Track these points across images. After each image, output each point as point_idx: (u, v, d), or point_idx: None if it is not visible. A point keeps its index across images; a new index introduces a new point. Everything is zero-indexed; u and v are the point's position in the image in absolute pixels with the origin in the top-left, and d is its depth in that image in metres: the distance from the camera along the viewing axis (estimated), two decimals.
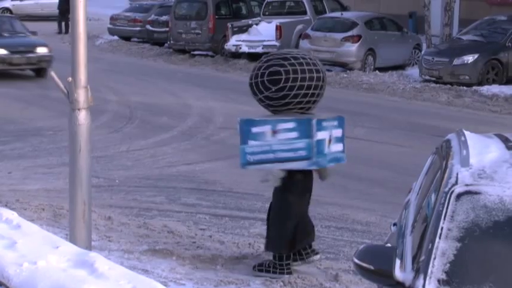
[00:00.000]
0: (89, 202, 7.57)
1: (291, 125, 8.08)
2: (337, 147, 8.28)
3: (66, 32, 35.88)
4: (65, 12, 35.92)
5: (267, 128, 8.07)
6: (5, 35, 24.17)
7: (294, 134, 8.06)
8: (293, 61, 8.19)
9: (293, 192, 8.34)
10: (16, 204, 10.45)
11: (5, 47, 23.07)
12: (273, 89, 8.12)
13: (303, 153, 8.05)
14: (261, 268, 8.34)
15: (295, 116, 8.21)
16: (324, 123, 8.13)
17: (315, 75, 8.20)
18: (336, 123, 8.28)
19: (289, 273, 8.31)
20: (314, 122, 8.04)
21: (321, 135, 8.07)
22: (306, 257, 8.57)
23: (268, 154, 8.09)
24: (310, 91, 8.18)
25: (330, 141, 8.16)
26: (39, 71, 23.47)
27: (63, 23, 37.36)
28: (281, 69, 8.12)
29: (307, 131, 8.03)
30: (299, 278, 8.31)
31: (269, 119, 8.18)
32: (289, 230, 8.32)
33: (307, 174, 8.39)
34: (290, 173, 8.22)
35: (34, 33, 25.88)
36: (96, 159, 12.60)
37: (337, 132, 8.26)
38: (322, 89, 8.33)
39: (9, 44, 23.32)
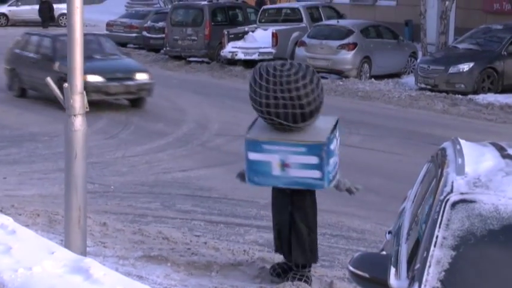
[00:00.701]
0: (84, 208, 7.57)
1: (337, 132, 8.27)
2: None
3: None
4: (47, 20, 35.60)
5: (335, 141, 8.15)
6: (97, 57, 20.06)
7: (339, 138, 8.32)
8: (316, 79, 7.94)
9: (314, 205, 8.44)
10: (11, 210, 10.44)
11: (99, 73, 19.07)
12: (316, 116, 8.02)
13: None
14: (305, 280, 8.37)
15: (333, 119, 8.35)
16: None
17: (322, 86, 8.13)
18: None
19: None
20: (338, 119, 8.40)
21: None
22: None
23: (336, 166, 8.20)
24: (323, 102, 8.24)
25: None
26: (137, 101, 20.14)
27: None
28: (315, 95, 7.85)
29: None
30: (293, 285, 8.31)
31: (334, 131, 8.11)
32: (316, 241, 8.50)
33: None
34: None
35: (128, 54, 22.96)
36: (91, 165, 12.60)
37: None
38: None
39: (104, 70, 19.43)
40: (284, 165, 7.96)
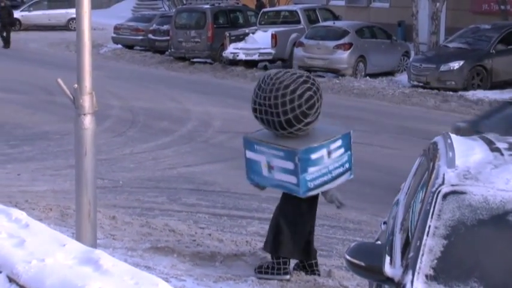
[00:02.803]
0: (94, 202, 7.56)
1: (339, 142, 8.07)
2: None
3: (6, 45, 34.79)
4: (6, 25, 35.04)
5: (324, 152, 7.92)
6: None
7: (342, 150, 8.08)
8: (311, 79, 7.95)
9: (306, 202, 8.26)
10: (25, 205, 10.44)
11: None
12: (312, 113, 7.83)
13: (347, 165, 8.17)
14: (261, 270, 8.30)
15: (339, 132, 8.18)
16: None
17: (319, 87, 8.08)
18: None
19: (286, 273, 8.26)
20: (351, 133, 8.22)
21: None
22: (309, 267, 8.46)
23: (327, 175, 7.99)
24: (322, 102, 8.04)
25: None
26: None
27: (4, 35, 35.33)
28: (311, 92, 7.79)
29: (348, 144, 8.14)
30: (294, 273, 8.32)
31: (324, 142, 7.93)
32: (290, 237, 8.24)
33: None
34: None
35: None
36: (100, 162, 12.58)
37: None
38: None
39: None
40: (270, 167, 7.96)
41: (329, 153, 7.95)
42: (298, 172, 7.74)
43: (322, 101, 7.98)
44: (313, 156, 7.82)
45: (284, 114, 7.68)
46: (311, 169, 7.80)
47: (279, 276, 8.20)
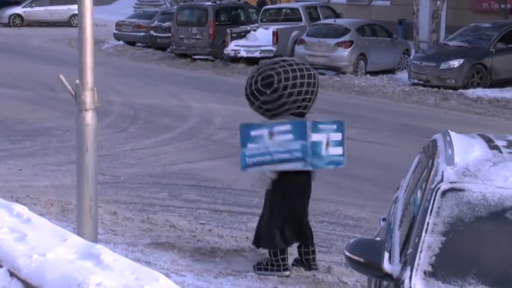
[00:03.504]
0: (95, 198, 7.57)
1: (286, 127, 8.06)
2: (336, 150, 8.12)
3: None
4: None
5: (264, 131, 8.03)
6: None
7: (290, 136, 8.02)
8: (282, 63, 8.27)
9: (284, 192, 8.26)
10: (26, 200, 10.45)
11: None
12: (268, 92, 8.08)
13: (298, 154, 8.02)
14: (260, 267, 8.32)
15: (291, 119, 8.20)
16: (321, 126, 8.05)
17: (305, 73, 8.19)
18: (334, 127, 8.13)
19: (286, 269, 8.28)
20: (309, 124, 8.02)
21: (316, 137, 8.01)
22: (306, 262, 8.48)
23: (266, 156, 8.03)
24: (303, 88, 8.11)
25: (327, 144, 8.09)
26: None
27: None
28: (272, 72, 8.13)
29: (302, 133, 7.99)
30: (293, 269, 8.33)
31: (266, 122, 8.17)
32: (278, 227, 8.26)
33: (302, 176, 8.33)
34: (284, 174, 8.18)
35: None
36: (102, 158, 12.60)
37: (336, 136, 8.10)
38: (316, 88, 8.26)
39: None
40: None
41: (271, 134, 8.04)
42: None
43: (295, 90, 8.09)
44: (253, 133, 8.05)
45: (245, 90, 8.32)
46: (250, 145, 8.04)
47: (278, 272, 8.21)
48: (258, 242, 8.43)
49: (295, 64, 8.28)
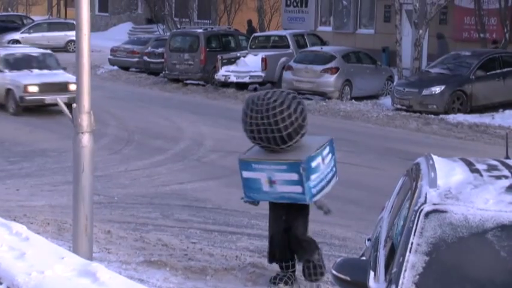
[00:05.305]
0: (91, 217, 7.58)
1: (328, 149, 8.39)
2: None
3: None
4: None
5: (319, 159, 8.20)
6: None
7: (330, 156, 8.42)
8: (298, 96, 8.35)
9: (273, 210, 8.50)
10: (24, 219, 10.43)
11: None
12: (305, 124, 8.18)
13: (334, 169, 8.55)
14: (275, 281, 8.42)
15: (325, 140, 8.47)
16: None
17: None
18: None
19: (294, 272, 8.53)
20: (332, 139, 8.51)
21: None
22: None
23: (324, 181, 8.28)
24: None
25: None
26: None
27: None
28: (302, 106, 8.17)
29: (333, 149, 8.49)
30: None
31: (319, 150, 8.23)
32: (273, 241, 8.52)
33: None
34: None
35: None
36: (96, 178, 12.57)
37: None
38: None
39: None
40: (272, 182, 8.10)
41: (323, 160, 8.26)
42: (303, 181, 7.97)
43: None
44: (313, 164, 8.10)
45: (285, 129, 7.97)
46: (313, 176, 8.08)
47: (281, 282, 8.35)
48: (307, 252, 8.55)
49: (297, 102, 8.29)
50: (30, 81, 20.84)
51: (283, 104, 8.00)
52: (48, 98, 20.21)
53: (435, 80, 22.73)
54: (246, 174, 8.25)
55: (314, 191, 8.09)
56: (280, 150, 8.14)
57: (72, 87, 20.26)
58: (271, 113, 7.96)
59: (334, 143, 8.52)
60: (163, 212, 11.71)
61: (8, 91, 21.18)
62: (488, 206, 4.61)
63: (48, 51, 24.85)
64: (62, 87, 20.54)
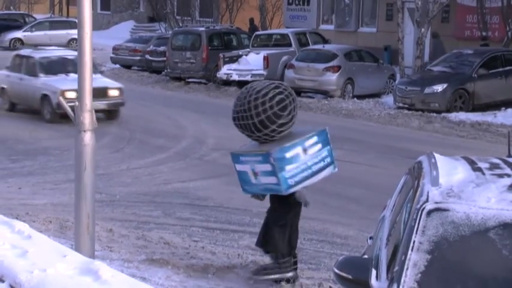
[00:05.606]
0: (93, 215, 7.58)
1: (314, 139, 8.27)
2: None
3: None
4: None
5: (299, 150, 8.12)
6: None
7: (319, 146, 8.26)
8: (280, 85, 8.34)
9: (296, 203, 8.48)
10: (26, 217, 10.43)
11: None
12: (285, 114, 8.12)
13: (328, 159, 8.33)
14: (267, 272, 8.39)
15: (314, 130, 8.37)
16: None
17: (293, 92, 8.41)
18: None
19: (295, 269, 8.48)
20: (327, 129, 8.37)
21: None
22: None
23: (307, 171, 8.17)
24: (296, 108, 8.35)
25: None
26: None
27: None
28: (282, 95, 8.15)
29: (326, 140, 8.32)
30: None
31: (296, 140, 8.17)
32: (293, 235, 8.49)
33: None
34: None
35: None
36: (98, 177, 12.55)
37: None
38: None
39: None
40: (255, 174, 8.18)
41: (305, 150, 8.14)
42: (276, 172, 7.96)
43: (296, 106, 8.28)
44: (288, 154, 8.04)
45: (257, 116, 8.04)
46: (288, 167, 8.02)
47: (284, 273, 8.36)
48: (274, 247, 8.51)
49: (284, 84, 8.47)
50: (68, 86, 18.66)
51: (260, 92, 8.12)
52: None
53: (437, 79, 22.72)
54: (238, 167, 8.35)
55: (291, 181, 8.04)
56: (261, 139, 8.20)
57: (112, 92, 19.85)
58: (247, 100, 8.11)
59: (329, 134, 8.37)
60: (165, 210, 11.71)
61: (44, 97, 19.80)
62: (490, 204, 4.61)
63: None
64: (101, 92, 18.81)
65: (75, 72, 20.40)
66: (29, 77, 20.46)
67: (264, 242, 8.54)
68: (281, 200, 8.40)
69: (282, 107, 8.07)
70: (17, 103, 21.24)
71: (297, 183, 8.11)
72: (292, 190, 8.14)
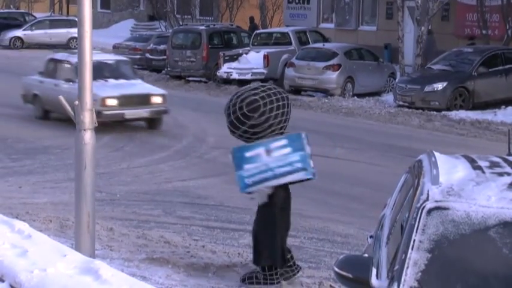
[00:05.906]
0: (93, 214, 7.58)
1: (283, 142, 8.19)
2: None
3: None
4: None
5: (260, 150, 8.12)
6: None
7: (288, 150, 8.15)
8: (262, 88, 8.36)
9: (277, 207, 8.35)
10: (26, 216, 10.43)
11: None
12: (256, 116, 8.13)
13: (299, 165, 8.18)
14: (252, 281, 8.32)
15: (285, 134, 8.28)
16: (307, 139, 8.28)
17: (283, 95, 8.41)
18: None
19: (278, 282, 8.31)
20: (304, 135, 8.22)
21: (308, 149, 8.18)
22: (292, 273, 8.54)
23: (267, 173, 8.12)
24: (285, 109, 8.30)
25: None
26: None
27: None
28: (256, 97, 8.20)
29: (299, 145, 8.17)
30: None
31: (260, 141, 8.19)
32: (278, 243, 8.32)
33: (287, 190, 8.43)
34: (274, 189, 8.26)
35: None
36: (98, 176, 12.55)
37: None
38: (290, 108, 8.44)
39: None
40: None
41: (268, 151, 8.12)
42: (236, 169, 8.14)
43: (288, 111, 8.30)
44: (248, 154, 8.12)
45: (227, 116, 8.34)
46: (247, 166, 8.10)
47: (266, 286, 8.24)
48: (258, 259, 8.41)
49: (273, 88, 8.46)
50: (108, 93, 17.84)
51: (236, 94, 8.39)
52: (128, 113, 18.17)
53: (437, 77, 22.72)
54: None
55: (249, 181, 8.10)
56: (246, 140, 8.33)
57: (155, 99, 18.59)
58: (229, 99, 8.49)
59: (306, 139, 8.23)
60: (165, 209, 11.71)
61: None
62: (490, 203, 4.61)
63: (123, 57, 22.26)
64: (143, 99, 18.28)
65: (115, 78, 18.84)
66: (65, 82, 18.46)
67: (258, 258, 8.46)
68: (264, 208, 8.39)
69: (251, 108, 8.11)
70: (51, 110, 19.40)
71: (255, 183, 8.14)
72: (250, 190, 8.23)
